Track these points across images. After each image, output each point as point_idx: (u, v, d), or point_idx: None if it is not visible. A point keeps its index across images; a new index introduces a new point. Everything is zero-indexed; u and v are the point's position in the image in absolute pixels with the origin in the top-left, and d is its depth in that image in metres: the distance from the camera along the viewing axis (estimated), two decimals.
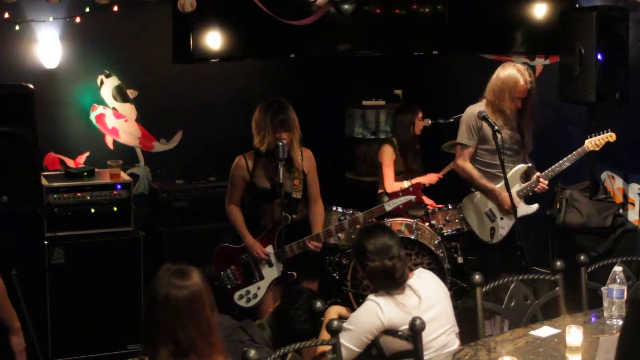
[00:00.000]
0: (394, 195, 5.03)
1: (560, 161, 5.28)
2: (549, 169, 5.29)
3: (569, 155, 5.29)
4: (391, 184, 6.14)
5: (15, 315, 3.65)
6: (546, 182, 5.30)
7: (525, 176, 5.37)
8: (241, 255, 4.93)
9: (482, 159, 5.37)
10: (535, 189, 5.31)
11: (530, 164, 5.40)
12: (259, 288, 4.92)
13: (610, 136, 5.34)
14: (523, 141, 5.34)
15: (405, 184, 6.14)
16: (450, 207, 5.99)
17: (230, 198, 4.97)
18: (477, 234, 5.44)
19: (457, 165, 5.44)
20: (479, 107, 5.30)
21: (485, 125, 5.23)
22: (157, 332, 2.66)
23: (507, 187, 5.05)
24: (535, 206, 5.35)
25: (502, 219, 5.35)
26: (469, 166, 5.36)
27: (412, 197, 5.00)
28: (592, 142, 5.32)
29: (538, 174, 5.31)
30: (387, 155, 6.25)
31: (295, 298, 3.99)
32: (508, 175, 5.19)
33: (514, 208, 5.08)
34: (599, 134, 5.34)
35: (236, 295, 4.93)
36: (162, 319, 2.66)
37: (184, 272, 2.72)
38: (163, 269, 2.74)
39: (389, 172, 6.21)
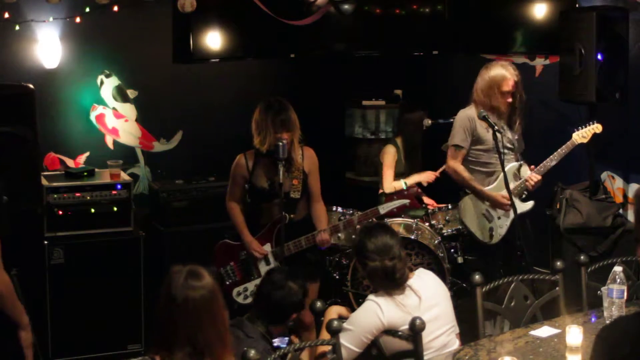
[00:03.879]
0: (389, 198, 5.03)
1: (551, 156, 5.29)
2: (540, 164, 5.30)
3: (559, 150, 5.29)
4: (389, 184, 6.14)
5: (23, 311, 3.65)
6: (539, 177, 5.29)
7: (519, 174, 5.37)
8: (240, 252, 4.94)
9: (478, 159, 5.37)
10: (528, 186, 5.30)
11: (522, 162, 5.40)
12: (256, 285, 4.92)
13: (596, 127, 5.34)
14: (514, 139, 5.35)
15: (403, 183, 6.16)
16: (450, 207, 5.99)
17: (230, 195, 4.99)
18: (476, 236, 5.44)
19: (448, 166, 5.46)
20: (470, 110, 5.31)
21: (479, 125, 5.26)
22: (175, 335, 2.63)
23: (507, 185, 5.05)
24: (530, 203, 5.35)
25: (499, 218, 5.35)
26: (460, 168, 5.37)
27: (407, 201, 5.03)
28: (580, 135, 5.33)
29: (532, 167, 5.32)
30: (389, 156, 6.25)
31: (270, 278, 4.08)
32: (501, 175, 5.21)
33: (513, 207, 5.08)
34: (586, 126, 5.35)
35: (234, 291, 4.94)
36: (181, 322, 2.63)
37: (198, 273, 2.70)
38: (175, 271, 2.70)
39: (388, 173, 6.21)
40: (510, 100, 5.25)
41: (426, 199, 6.38)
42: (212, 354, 2.65)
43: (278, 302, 3.95)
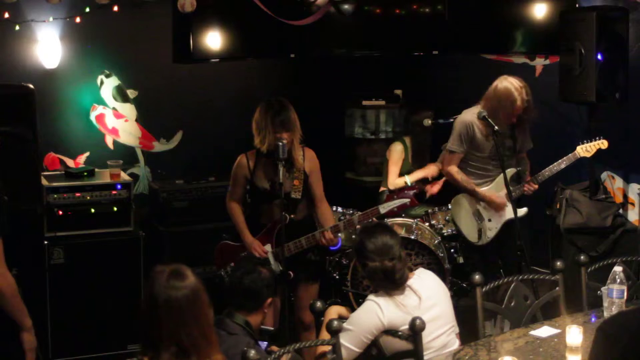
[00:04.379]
0: (389, 197, 5.04)
1: (551, 166, 5.29)
2: (539, 173, 5.30)
3: (559, 161, 5.29)
4: (393, 180, 6.17)
5: (26, 313, 3.64)
6: (536, 186, 5.29)
7: (516, 178, 5.37)
8: (241, 253, 4.93)
9: (475, 163, 5.37)
10: (524, 191, 5.30)
11: (520, 168, 5.39)
12: None
13: (601, 143, 5.34)
14: (515, 147, 5.33)
15: (407, 179, 6.17)
16: (450, 207, 5.99)
17: (231, 195, 4.98)
18: (465, 235, 5.45)
19: (443, 170, 5.48)
20: (472, 114, 5.30)
21: (477, 132, 5.25)
22: (159, 336, 2.63)
23: (507, 186, 5.05)
24: (524, 210, 5.34)
25: (489, 220, 5.35)
26: (454, 170, 5.38)
27: (407, 200, 5.04)
28: (584, 149, 5.33)
29: (528, 178, 5.31)
30: (396, 153, 6.27)
31: (238, 266, 4.13)
32: (497, 180, 5.23)
33: (513, 208, 5.08)
34: (591, 141, 5.34)
35: None
36: (164, 322, 2.64)
37: (180, 273, 2.71)
38: (157, 271, 2.71)
39: (394, 169, 6.23)
40: (514, 121, 5.23)
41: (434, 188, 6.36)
42: (198, 353, 2.65)
43: (251, 286, 3.91)
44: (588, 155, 5.34)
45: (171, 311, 2.64)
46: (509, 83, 5.18)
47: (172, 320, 2.64)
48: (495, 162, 5.23)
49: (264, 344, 3.92)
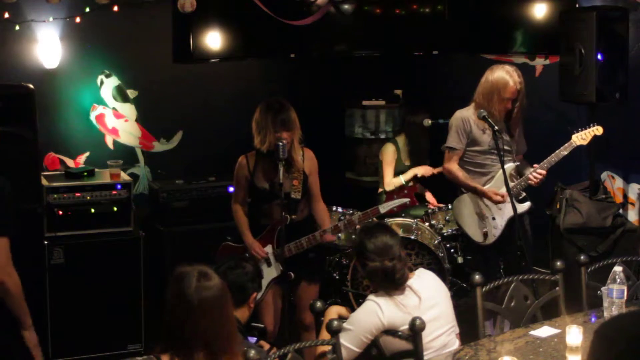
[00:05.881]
0: (389, 197, 5.06)
1: (549, 157, 5.27)
2: (543, 161, 5.27)
3: (557, 151, 5.27)
4: (389, 180, 6.17)
5: (28, 311, 3.68)
6: (543, 172, 5.26)
7: (516, 174, 5.37)
8: (242, 254, 4.93)
9: (473, 160, 5.36)
10: (530, 183, 5.27)
11: (518, 163, 5.39)
12: None
13: (596, 129, 5.32)
14: (512, 142, 5.34)
15: (402, 178, 6.17)
16: (450, 207, 5.99)
17: (235, 197, 5.00)
18: (470, 236, 5.44)
19: (444, 168, 5.45)
20: (467, 111, 5.30)
21: (474, 127, 5.25)
22: (191, 336, 2.64)
23: (506, 184, 5.04)
24: (527, 204, 5.33)
25: (494, 219, 5.33)
26: (455, 168, 5.37)
27: (407, 200, 5.05)
28: (579, 137, 5.31)
29: (535, 165, 5.30)
30: (389, 154, 6.28)
31: (223, 263, 4.10)
32: (497, 176, 5.21)
33: (513, 207, 5.08)
34: (586, 128, 5.34)
35: None
36: (198, 323, 2.64)
37: (207, 273, 2.73)
38: (183, 273, 2.70)
39: (388, 170, 6.24)
40: (509, 107, 5.23)
41: (428, 196, 6.38)
42: (225, 352, 2.66)
43: (236, 281, 3.90)
44: (584, 143, 5.30)
45: (205, 311, 2.66)
46: (499, 68, 5.23)
47: (205, 321, 2.65)
48: (494, 157, 5.21)
49: (253, 339, 3.91)
